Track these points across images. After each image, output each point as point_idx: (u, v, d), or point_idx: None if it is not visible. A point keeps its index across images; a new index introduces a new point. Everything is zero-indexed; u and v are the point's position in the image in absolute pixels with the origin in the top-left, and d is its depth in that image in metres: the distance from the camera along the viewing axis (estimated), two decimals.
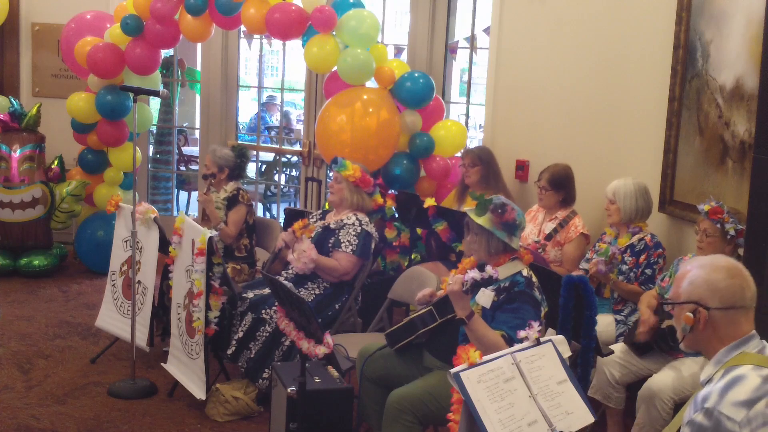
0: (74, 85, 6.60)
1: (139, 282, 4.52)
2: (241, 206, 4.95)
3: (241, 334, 4.16)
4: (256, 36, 6.69)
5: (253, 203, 5.23)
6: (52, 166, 6.33)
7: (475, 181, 4.96)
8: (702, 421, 1.93)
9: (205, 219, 4.96)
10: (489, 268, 2.83)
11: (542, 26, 5.22)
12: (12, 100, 6.33)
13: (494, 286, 3.11)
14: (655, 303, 3.75)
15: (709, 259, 2.15)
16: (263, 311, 4.13)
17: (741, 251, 3.44)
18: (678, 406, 3.21)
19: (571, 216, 4.55)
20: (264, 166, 8.46)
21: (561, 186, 4.57)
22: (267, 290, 4.21)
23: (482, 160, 4.97)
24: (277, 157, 8.14)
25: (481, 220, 3.14)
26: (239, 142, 7.16)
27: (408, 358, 3.43)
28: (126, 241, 4.69)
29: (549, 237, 4.54)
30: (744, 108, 3.71)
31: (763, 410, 1.90)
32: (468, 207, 3.33)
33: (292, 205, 8.61)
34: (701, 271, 2.10)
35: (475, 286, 2.82)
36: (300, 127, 9.23)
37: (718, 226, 3.47)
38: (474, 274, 2.81)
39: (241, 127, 8.76)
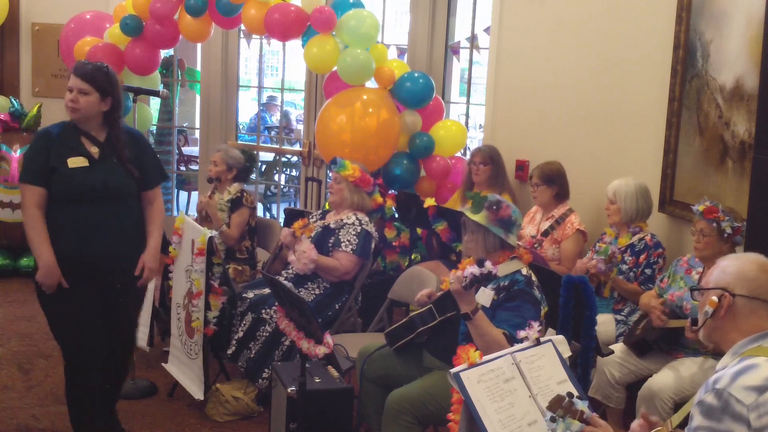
0: None
1: None
2: (244, 209, 4.96)
3: (241, 334, 4.16)
4: (255, 36, 6.69)
5: (256, 205, 5.24)
6: None
7: (483, 179, 4.98)
8: (712, 401, 1.95)
9: (206, 220, 4.96)
10: (488, 264, 2.83)
11: (542, 26, 5.22)
12: (12, 100, 6.33)
13: (493, 285, 3.11)
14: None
15: (743, 254, 2.24)
16: (263, 311, 4.13)
17: (739, 250, 3.44)
18: (678, 406, 3.21)
19: (568, 213, 4.57)
20: (264, 166, 8.46)
21: (552, 180, 4.60)
22: (267, 290, 4.21)
23: (492, 159, 5.01)
24: (277, 157, 8.15)
25: (477, 217, 3.16)
26: (239, 142, 7.16)
27: (408, 358, 3.43)
28: None
29: (546, 233, 4.56)
30: (744, 108, 3.71)
31: None
32: (462, 209, 3.34)
33: (292, 205, 8.61)
34: (734, 261, 2.17)
35: (475, 281, 2.82)
36: (300, 127, 9.24)
37: (714, 225, 3.47)
38: (473, 269, 2.81)
39: (241, 127, 8.76)
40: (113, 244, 3.29)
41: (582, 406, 2.06)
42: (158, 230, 3.47)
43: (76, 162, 3.24)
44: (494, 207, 3.16)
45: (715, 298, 2.11)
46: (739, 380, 1.94)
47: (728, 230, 3.44)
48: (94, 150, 3.29)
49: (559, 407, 2.06)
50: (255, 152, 5.36)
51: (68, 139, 3.27)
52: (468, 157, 5.35)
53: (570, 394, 2.07)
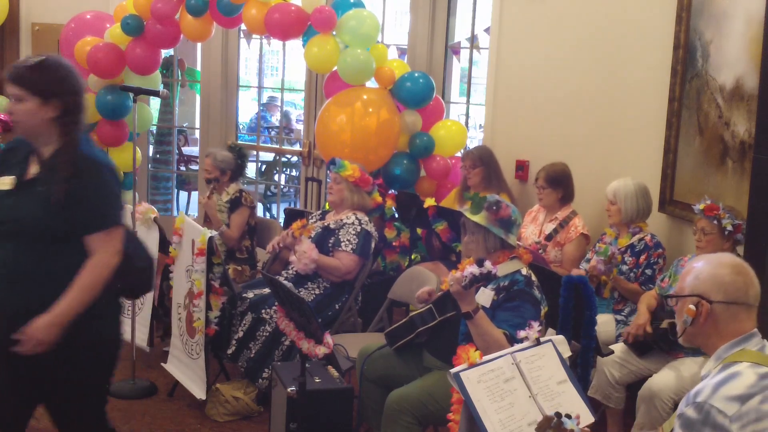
0: None
1: None
2: (243, 209, 4.96)
3: (241, 334, 4.16)
4: (255, 36, 6.70)
5: (255, 205, 5.24)
6: None
7: (477, 182, 4.96)
8: (691, 414, 1.93)
9: (206, 221, 4.97)
10: (488, 263, 2.83)
11: (542, 26, 5.22)
12: None
13: (493, 285, 3.11)
14: (655, 303, 3.75)
15: (715, 256, 2.17)
16: (263, 311, 4.13)
17: (740, 248, 3.44)
18: (678, 406, 3.21)
19: (571, 216, 4.55)
20: (264, 166, 8.46)
21: (558, 183, 4.58)
22: (267, 290, 4.21)
23: (483, 160, 4.97)
24: (277, 157, 8.15)
25: (477, 218, 3.16)
26: (239, 142, 7.16)
27: (408, 358, 3.43)
28: None
29: (549, 237, 4.54)
30: (744, 108, 3.71)
31: (757, 406, 1.90)
32: (461, 209, 3.34)
33: (292, 205, 8.61)
34: (707, 266, 2.11)
35: (474, 281, 2.82)
36: (300, 127, 9.24)
37: (715, 222, 3.48)
38: (473, 269, 2.81)
39: (241, 127, 8.76)
40: (3, 296, 2.49)
41: (571, 425, 2.04)
42: (78, 291, 2.46)
43: (2, 183, 2.52)
44: (494, 207, 3.16)
45: (692, 307, 2.07)
46: (721, 391, 1.92)
47: (729, 227, 3.45)
48: (34, 170, 2.52)
49: (548, 427, 2.04)
50: (244, 148, 5.32)
51: (17, 155, 2.56)
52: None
53: (558, 414, 2.06)
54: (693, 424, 1.92)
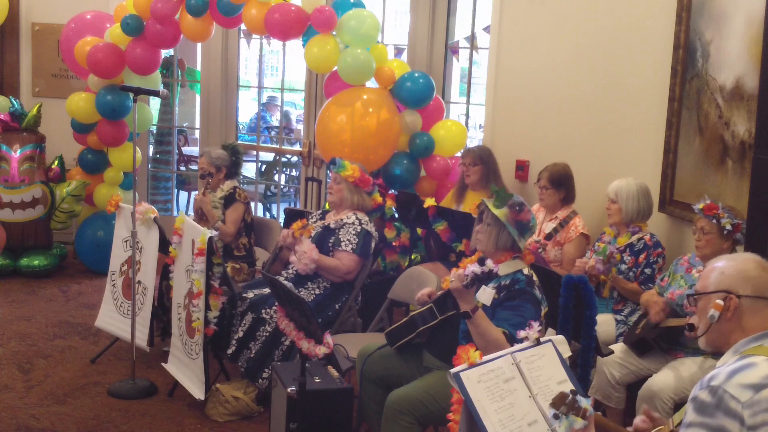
0: (74, 85, 6.60)
1: (139, 282, 4.52)
2: (238, 204, 4.96)
3: (241, 333, 4.16)
4: (255, 36, 6.70)
5: (251, 202, 5.23)
6: (52, 166, 6.33)
7: (475, 180, 4.97)
8: (705, 398, 1.95)
9: (203, 219, 4.97)
10: (489, 262, 2.84)
11: (542, 26, 5.22)
12: (12, 100, 6.33)
13: (494, 284, 3.11)
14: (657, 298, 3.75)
15: (736, 255, 2.22)
16: (263, 311, 4.13)
17: (739, 248, 3.44)
18: (678, 406, 3.22)
19: (572, 216, 4.55)
20: (264, 166, 8.47)
21: (561, 184, 4.58)
22: (267, 290, 4.21)
23: (482, 159, 4.98)
24: (277, 157, 8.15)
25: (498, 212, 3.17)
26: (239, 141, 7.16)
27: (408, 358, 3.43)
28: (126, 241, 4.70)
29: (549, 237, 4.54)
30: (744, 108, 3.71)
31: None
32: (484, 199, 3.33)
33: (292, 205, 8.61)
34: (731, 262, 2.15)
35: (476, 280, 2.82)
36: (300, 127, 9.24)
37: (714, 222, 3.48)
38: (474, 268, 2.81)
39: (241, 127, 8.76)
40: None
41: (585, 404, 2.07)
42: None
43: None
44: (517, 208, 3.18)
45: (719, 302, 2.09)
46: (736, 378, 1.94)
47: (728, 227, 3.45)
48: None
49: (563, 404, 2.06)
50: (238, 145, 5.30)
51: None
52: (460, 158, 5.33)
53: (574, 392, 2.08)
54: (706, 407, 1.93)
